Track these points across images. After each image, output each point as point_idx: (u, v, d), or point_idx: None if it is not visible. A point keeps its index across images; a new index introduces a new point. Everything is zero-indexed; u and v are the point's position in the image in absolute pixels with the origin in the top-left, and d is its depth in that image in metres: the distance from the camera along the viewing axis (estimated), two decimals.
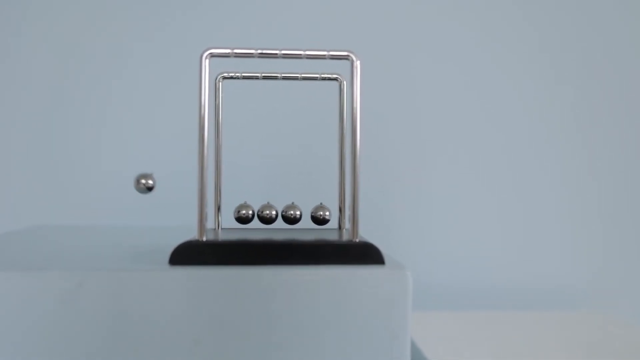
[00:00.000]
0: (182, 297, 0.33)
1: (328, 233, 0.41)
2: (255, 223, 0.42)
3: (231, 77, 0.45)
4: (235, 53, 0.36)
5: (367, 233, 0.45)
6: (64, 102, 0.74)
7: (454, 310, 0.72)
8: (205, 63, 0.36)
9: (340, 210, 0.45)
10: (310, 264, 0.35)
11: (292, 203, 0.42)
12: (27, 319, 0.32)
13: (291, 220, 0.42)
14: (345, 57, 0.36)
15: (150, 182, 0.38)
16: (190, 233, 0.41)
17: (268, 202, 0.42)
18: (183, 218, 0.66)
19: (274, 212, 0.41)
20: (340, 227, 0.45)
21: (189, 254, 0.34)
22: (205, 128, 0.35)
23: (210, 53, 0.36)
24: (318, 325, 0.34)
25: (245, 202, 0.42)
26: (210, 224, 0.43)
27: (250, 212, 0.41)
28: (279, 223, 0.42)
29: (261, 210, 0.41)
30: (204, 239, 0.35)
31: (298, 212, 0.42)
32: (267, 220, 0.41)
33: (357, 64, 0.36)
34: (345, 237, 0.38)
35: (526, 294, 0.76)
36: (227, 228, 0.44)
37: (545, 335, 0.61)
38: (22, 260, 0.37)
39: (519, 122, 0.77)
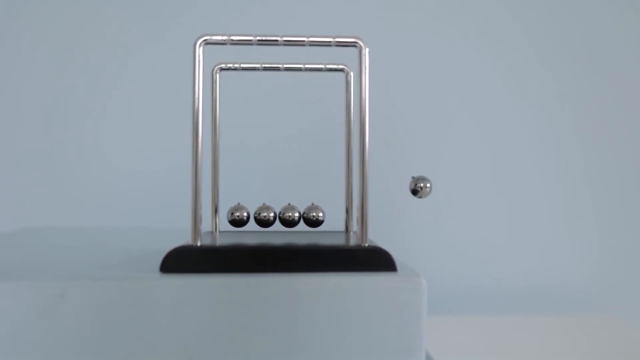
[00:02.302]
0: (174, 308, 0.30)
1: (334, 236, 0.38)
2: (255, 226, 0.39)
3: (229, 69, 0.42)
4: (232, 40, 0.33)
5: (375, 236, 0.42)
6: (56, 102, 0.71)
7: (463, 314, 0.69)
8: (199, 51, 0.32)
9: (347, 211, 0.42)
10: (315, 270, 0.32)
11: (289, 204, 0.39)
12: (3, 333, 0.29)
13: (289, 222, 0.38)
14: (353, 44, 0.33)
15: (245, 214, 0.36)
16: (187, 235, 0.38)
17: (264, 204, 0.39)
18: (182, 218, 0.63)
19: (271, 214, 0.38)
20: (347, 230, 0.41)
21: (181, 261, 0.31)
22: (199, 123, 0.32)
23: (205, 40, 0.33)
24: (324, 338, 0.31)
25: (239, 204, 0.39)
26: (207, 226, 0.40)
27: (245, 214, 0.38)
28: (280, 226, 0.39)
29: (258, 212, 0.38)
30: (199, 243, 0.32)
31: (297, 214, 0.39)
32: (264, 222, 0.38)
33: (366, 51, 0.33)
34: (353, 241, 0.35)
35: (535, 297, 0.73)
36: (225, 231, 0.41)
37: (560, 340, 0.58)
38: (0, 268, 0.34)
39: (529, 125, 0.74)
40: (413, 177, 0.37)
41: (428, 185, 0.36)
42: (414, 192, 0.36)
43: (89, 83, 0.71)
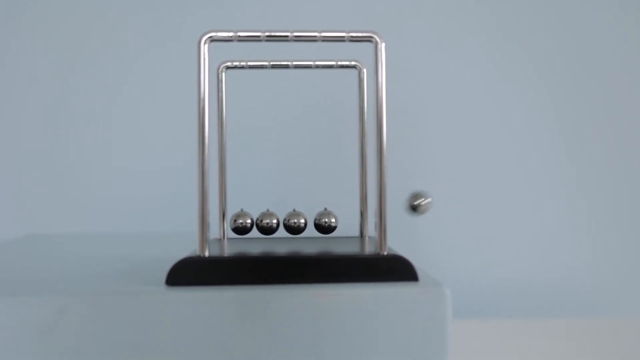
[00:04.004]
0: (182, 324, 0.28)
1: (349, 243, 0.36)
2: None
3: (235, 67, 0.40)
4: (239, 36, 0.31)
5: (390, 241, 0.40)
6: (58, 103, 0.69)
7: (480, 318, 0.67)
8: (205, 49, 0.30)
9: (362, 214, 0.40)
10: (332, 281, 0.30)
11: (294, 210, 0.37)
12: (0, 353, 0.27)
13: (294, 229, 0.37)
14: (368, 39, 0.31)
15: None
16: (194, 241, 0.36)
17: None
18: (188, 221, 0.61)
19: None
20: (362, 235, 0.39)
21: (188, 273, 0.29)
22: (205, 124, 0.30)
23: (210, 37, 0.31)
24: (341, 353, 0.29)
25: (242, 210, 0.37)
26: (214, 231, 0.38)
27: (249, 220, 0.36)
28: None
29: (260, 219, 0.36)
30: (206, 254, 0.30)
31: (302, 221, 0.37)
32: (266, 230, 0.36)
33: (382, 46, 0.31)
34: (371, 248, 0.33)
35: (551, 299, 0.71)
36: (233, 238, 0.39)
37: (576, 344, 0.57)
38: None
39: (548, 127, 0.72)
40: (412, 194, 0.34)
41: (428, 200, 0.33)
42: (413, 208, 0.33)
43: (90, 84, 0.69)
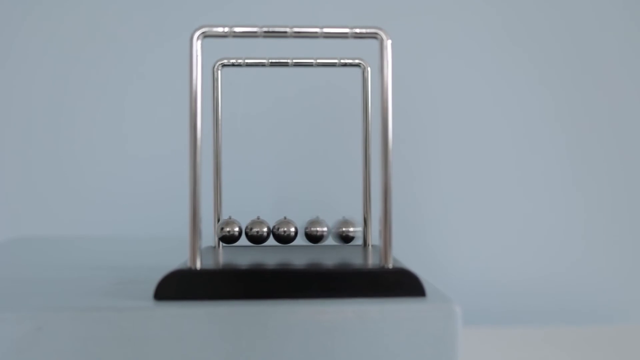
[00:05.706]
0: (170, 343, 0.26)
1: (351, 253, 0.34)
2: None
3: (232, 65, 0.38)
4: (235, 32, 0.29)
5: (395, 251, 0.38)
6: (56, 104, 0.68)
7: (493, 326, 0.65)
8: (197, 45, 0.28)
9: (365, 221, 0.38)
10: (332, 296, 0.28)
11: (285, 218, 0.36)
12: None
13: (284, 239, 0.35)
14: (373, 36, 0.29)
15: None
16: (186, 248, 0.34)
17: (258, 217, 0.35)
18: (181, 223, 0.59)
19: (264, 229, 0.35)
20: (365, 244, 0.37)
21: (179, 286, 0.27)
22: (197, 127, 0.28)
23: (204, 32, 0.29)
24: None
25: (230, 217, 0.35)
26: (209, 237, 0.36)
27: (237, 229, 0.35)
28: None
29: (249, 227, 0.35)
30: (198, 266, 0.28)
31: (292, 229, 0.35)
32: (256, 239, 0.35)
33: (388, 43, 0.29)
34: (375, 260, 0.31)
35: (566, 306, 0.70)
36: (228, 246, 0.37)
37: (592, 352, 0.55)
38: None
39: (545, 128, 0.70)
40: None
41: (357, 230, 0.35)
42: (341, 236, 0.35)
43: (86, 86, 0.68)
